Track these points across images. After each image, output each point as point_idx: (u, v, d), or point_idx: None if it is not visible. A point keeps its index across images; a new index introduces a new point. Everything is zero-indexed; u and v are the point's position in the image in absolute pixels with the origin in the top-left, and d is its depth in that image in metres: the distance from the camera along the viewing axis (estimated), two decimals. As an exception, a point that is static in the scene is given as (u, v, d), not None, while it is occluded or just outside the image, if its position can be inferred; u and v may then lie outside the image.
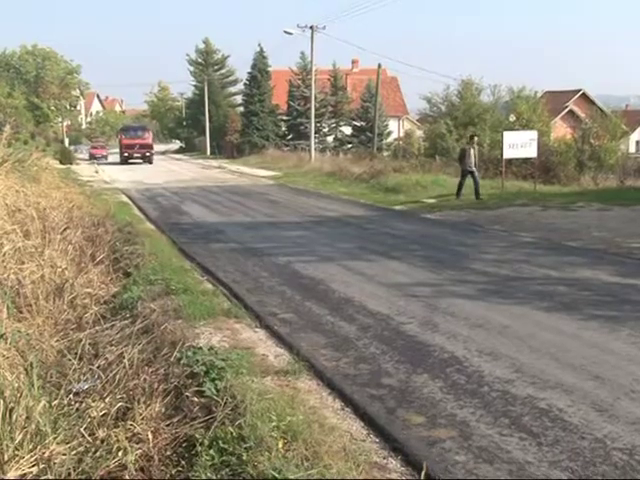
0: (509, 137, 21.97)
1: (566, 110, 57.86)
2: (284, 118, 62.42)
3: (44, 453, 4.41)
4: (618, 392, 5.60)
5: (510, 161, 24.31)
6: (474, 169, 21.34)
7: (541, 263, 11.20)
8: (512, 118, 39.18)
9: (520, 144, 21.72)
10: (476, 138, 22.94)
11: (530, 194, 21.56)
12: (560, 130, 49.53)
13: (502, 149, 21.98)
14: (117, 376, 5.54)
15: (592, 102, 58.63)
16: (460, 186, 21.39)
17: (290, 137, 61.03)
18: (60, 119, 79.37)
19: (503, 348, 6.81)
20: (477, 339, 7.13)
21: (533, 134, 22.92)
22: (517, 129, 31.70)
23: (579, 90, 61.92)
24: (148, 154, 55.54)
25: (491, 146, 36.12)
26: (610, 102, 62.66)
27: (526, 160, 25.35)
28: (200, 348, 6.23)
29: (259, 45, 62.36)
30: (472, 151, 21.52)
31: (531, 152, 22.05)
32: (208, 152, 69.57)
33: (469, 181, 21.35)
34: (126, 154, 55.66)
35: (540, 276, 10.26)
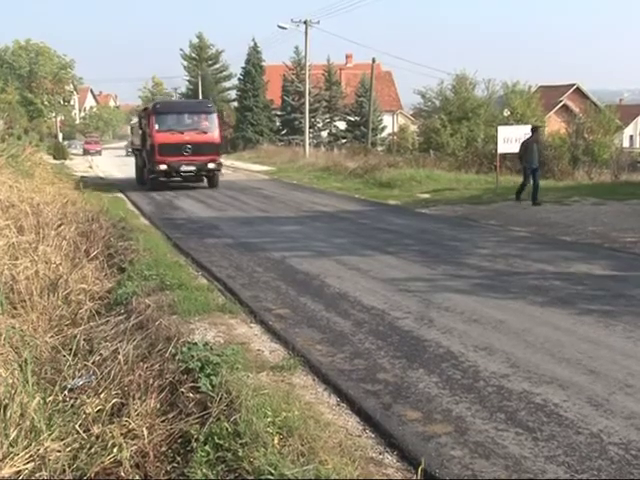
0: (504, 132, 21.95)
1: (560, 105, 57.91)
2: (278, 113, 62.41)
3: (39, 450, 4.40)
4: (613, 387, 5.61)
5: (505, 156, 24.30)
6: (538, 167, 19.23)
7: (536, 258, 11.20)
8: (506, 113, 39.10)
9: (515, 139, 21.63)
10: (540, 130, 20.20)
11: (525, 189, 21.53)
12: (554, 125, 49.58)
13: (497, 144, 21.95)
14: (112, 372, 5.53)
15: (586, 96, 58.72)
16: (522, 187, 19.06)
17: (284, 132, 61.05)
18: (54, 114, 79.11)
19: (498, 343, 6.81)
20: (472, 334, 7.13)
21: (527, 129, 22.89)
22: (511, 124, 31.72)
23: (573, 84, 62.03)
24: (212, 165, 25.74)
25: (485, 141, 36.18)
26: (604, 96, 62.62)
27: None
28: (195, 344, 6.21)
29: (253, 40, 62.32)
30: (535, 146, 19.17)
31: (526, 147, 22.00)
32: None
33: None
34: (163, 166, 25.01)
35: (535, 271, 10.27)
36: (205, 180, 26.77)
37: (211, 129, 26.02)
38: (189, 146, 24.92)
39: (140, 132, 27.75)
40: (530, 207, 17.78)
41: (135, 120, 36.39)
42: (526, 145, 19.33)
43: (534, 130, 20.12)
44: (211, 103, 30.06)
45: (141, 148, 27.60)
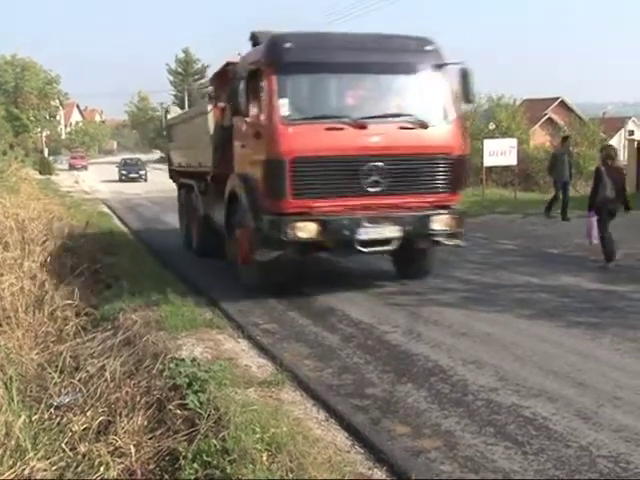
0: (489, 145, 22.05)
1: (545, 118, 58.29)
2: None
3: (24, 469, 4.35)
4: (602, 399, 5.61)
5: (490, 169, 24.46)
6: (569, 180, 17.66)
7: (523, 270, 11.23)
8: (492, 126, 39.38)
9: (500, 152, 21.75)
10: (570, 140, 18.89)
11: (510, 201, 21.67)
12: (539, 138, 49.95)
13: (482, 157, 22.05)
14: (99, 389, 5.49)
15: (570, 110, 59.15)
16: (552, 202, 17.50)
17: (271, 146, 61.01)
18: (39, 129, 78.86)
19: (486, 356, 6.80)
20: (460, 347, 7.12)
21: (513, 142, 23.00)
22: (497, 137, 31.91)
23: (557, 98, 62.45)
24: (441, 223, 9.41)
25: (471, 154, 36.37)
26: (588, 109, 63.20)
27: (506, 168, 25.50)
28: (182, 360, 6.18)
29: (239, 54, 62.40)
30: (566, 157, 17.64)
31: (511, 160, 22.11)
32: (189, 162, 69.35)
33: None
34: (308, 228, 8.74)
35: (522, 283, 10.29)
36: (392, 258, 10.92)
37: (439, 114, 9.67)
38: (381, 165, 9.13)
39: (212, 128, 11.40)
40: (553, 221, 16.97)
41: (175, 112, 18.59)
42: (556, 156, 18.15)
43: (564, 140, 18.90)
44: (432, 43, 9.77)
45: (206, 173, 11.93)
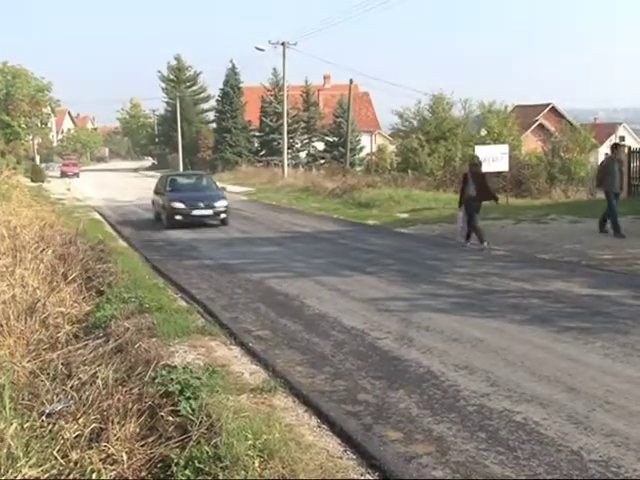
0: (481, 151, 22.10)
1: (536, 124, 58.51)
2: (257, 134, 62.48)
3: (16, 477, 4.34)
4: (593, 404, 5.63)
5: (482, 175, 24.51)
6: (619, 192, 15.86)
7: (514, 276, 11.26)
8: (483, 132, 39.53)
9: (492, 158, 21.79)
10: (623, 148, 17.04)
11: (502, 208, 21.67)
12: (531, 144, 50.14)
13: (474, 163, 22.03)
14: (90, 396, 5.48)
15: (562, 116, 59.40)
16: (610, 215, 15.37)
17: (263, 153, 61.07)
18: (31, 137, 78.68)
19: (478, 362, 6.82)
20: (452, 353, 7.14)
21: (504, 148, 23.10)
22: (488, 143, 32.00)
23: (549, 104, 62.70)
24: None
25: (463, 160, 36.48)
26: (579, 115, 63.49)
27: (498, 174, 25.53)
28: (175, 367, 6.18)
29: (231, 61, 62.45)
30: (616, 166, 15.71)
31: (503, 166, 22.20)
32: (181, 169, 69.30)
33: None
34: None
35: (513, 289, 10.32)
36: None
37: None
38: None
39: None
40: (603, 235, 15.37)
41: None
42: (605, 165, 16.22)
43: (615, 147, 16.97)
44: None
45: None
